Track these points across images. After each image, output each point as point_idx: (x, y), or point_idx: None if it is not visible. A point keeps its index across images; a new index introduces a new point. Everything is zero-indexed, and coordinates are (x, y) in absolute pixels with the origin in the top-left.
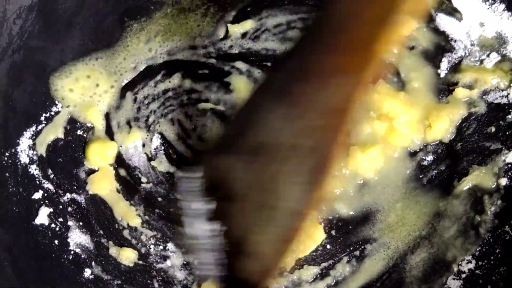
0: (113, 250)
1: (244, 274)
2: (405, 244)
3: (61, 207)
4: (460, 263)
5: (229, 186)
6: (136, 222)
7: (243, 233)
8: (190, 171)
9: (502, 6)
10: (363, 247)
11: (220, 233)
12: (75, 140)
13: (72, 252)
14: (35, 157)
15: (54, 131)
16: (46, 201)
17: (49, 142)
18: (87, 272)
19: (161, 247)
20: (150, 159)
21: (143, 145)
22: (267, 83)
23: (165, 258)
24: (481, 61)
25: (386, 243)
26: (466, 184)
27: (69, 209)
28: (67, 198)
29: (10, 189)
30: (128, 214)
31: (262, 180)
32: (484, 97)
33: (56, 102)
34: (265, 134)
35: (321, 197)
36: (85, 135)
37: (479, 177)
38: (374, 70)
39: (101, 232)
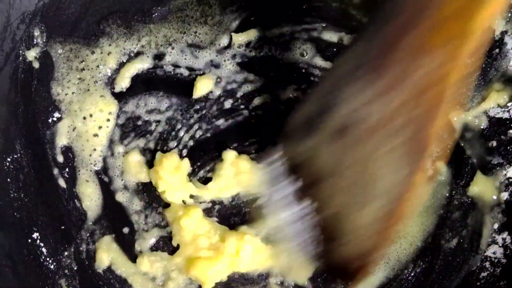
0: None
1: (342, 259)
2: (406, 255)
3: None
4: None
5: (315, 166)
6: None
7: (339, 209)
8: (269, 155)
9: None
10: None
11: (312, 210)
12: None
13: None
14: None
15: (58, 137)
16: None
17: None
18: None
19: None
20: None
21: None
22: (351, 56)
23: None
24: None
25: (386, 254)
26: (467, 197)
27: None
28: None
29: (12, 195)
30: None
31: (354, 161)
32: (485, 111)
33: (59, 108)
34: (353, 113)
35: (422, 178)
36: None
37: (480, 190)
38: (475, 44)
39: None
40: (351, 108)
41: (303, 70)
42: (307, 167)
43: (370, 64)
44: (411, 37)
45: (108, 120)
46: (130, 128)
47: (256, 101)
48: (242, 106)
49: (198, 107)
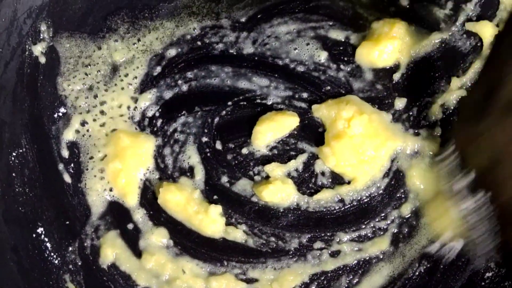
0: None
1: None
2: (411, 254)
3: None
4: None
5: (487, 151)
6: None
7: None
8: (443, 152)
9: None
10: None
11: (485, 200)
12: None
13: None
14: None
15: (64, 132)
16: None
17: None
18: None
19: None
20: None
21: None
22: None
23: None
24: None
25: (390, 252)
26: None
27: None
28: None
29: (17, 189)
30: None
31: None
32: None
33: (64, 103)
34: None
35: None
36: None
37: None
38: None
39: None
40: None
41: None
42: (479, 154)
43: None
44: None
45: (115, 114)
46: (136, 122)
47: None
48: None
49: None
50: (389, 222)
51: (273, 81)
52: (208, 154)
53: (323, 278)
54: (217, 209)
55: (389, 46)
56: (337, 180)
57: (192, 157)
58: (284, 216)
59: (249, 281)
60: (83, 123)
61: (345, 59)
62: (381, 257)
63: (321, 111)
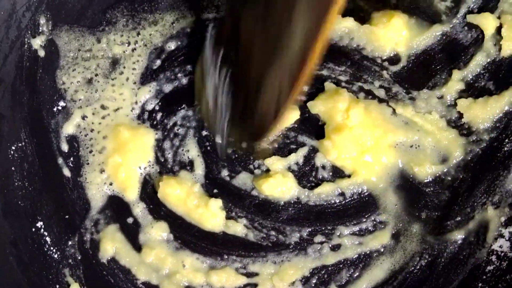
0: None
1: (255, 118)
2: (412, 248)
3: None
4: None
5: (238, 34)
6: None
7: (253, 73)
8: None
9: None
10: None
11: (227, 77)
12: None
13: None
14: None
15: (64, 126)
16: None
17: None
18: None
19: None
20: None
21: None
22: None
23: None
24: None
25: (391, 246)
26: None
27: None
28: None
29: (16, 183)
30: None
31: (269, 21)
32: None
33: (64, 97)
34: None
35: (325, 38)
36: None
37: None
38: None
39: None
40: None
41: None
42: (231, 38)
43: None
44: None
45: (115, 108)
46: (136, 115)
47: None
48: None
49: None
50: (390, 215)
51: None
52: (208, 148)
53: (323, 272)
54: (217, 203)
55: (386, 37)
56: (337, 173)
57: (192, 150)
58: (285, 210)
59: (250, 275)
60: (83, 117)
61: None
62: (382, 250)
63: (317, 107)
